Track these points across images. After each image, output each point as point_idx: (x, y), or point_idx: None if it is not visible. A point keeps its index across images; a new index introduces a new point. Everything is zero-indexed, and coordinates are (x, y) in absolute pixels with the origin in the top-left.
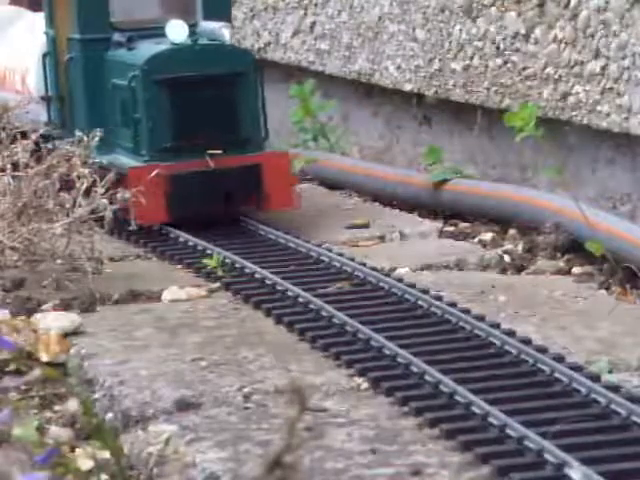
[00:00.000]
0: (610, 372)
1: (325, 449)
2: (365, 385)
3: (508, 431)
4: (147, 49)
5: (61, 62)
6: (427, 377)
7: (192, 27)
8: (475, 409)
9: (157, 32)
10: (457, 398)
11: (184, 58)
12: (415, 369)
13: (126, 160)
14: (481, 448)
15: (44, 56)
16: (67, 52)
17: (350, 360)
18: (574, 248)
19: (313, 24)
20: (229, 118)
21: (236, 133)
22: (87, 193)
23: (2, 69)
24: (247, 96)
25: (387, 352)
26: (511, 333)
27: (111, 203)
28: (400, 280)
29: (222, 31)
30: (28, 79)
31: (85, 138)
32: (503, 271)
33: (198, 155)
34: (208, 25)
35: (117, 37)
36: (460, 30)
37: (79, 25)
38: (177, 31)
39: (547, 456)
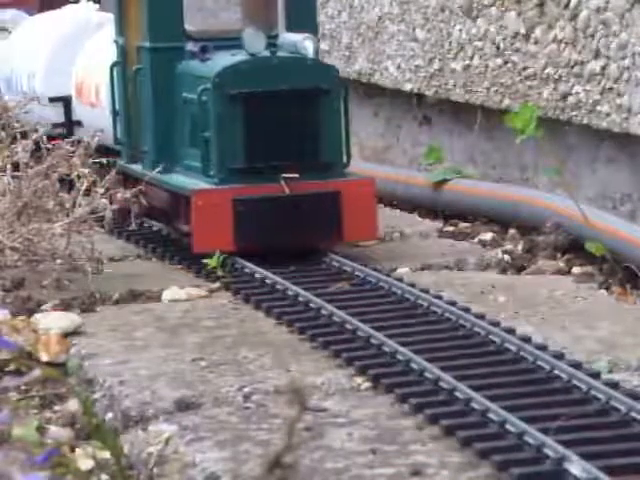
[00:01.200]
0: (610, 372)
1: (325, 449)
2: (365, 385)
3: (508, 426)
4: (221, 60)
5: (130, 73)
6: (427, 374)
7: (273, 38)
8: (475, 405)
9: (234, 42)
10: (457, 394)
11: (261, 71)
12: (415, 366)
13: (193, 181)
14: (481, 444)
15: (112, 66)
16: (136, 61)
17: (349, 358)
18: (574, 248)
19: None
20: (308, 139)
21: (315, 156)
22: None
23: (80, 80)
24: (329, 115)
25: (387, 349)
26: (511, 331)
27: (111, 203)
28: (400, 280)
29: (305, 43)
30: (101, 91)
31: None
32: (503, 271)
33: (272, 179)
34: (290, 36)
35: (190, 47)
36: (460, 30)
37: (150, 32)
38: (254, 41)
39: (547, 451)
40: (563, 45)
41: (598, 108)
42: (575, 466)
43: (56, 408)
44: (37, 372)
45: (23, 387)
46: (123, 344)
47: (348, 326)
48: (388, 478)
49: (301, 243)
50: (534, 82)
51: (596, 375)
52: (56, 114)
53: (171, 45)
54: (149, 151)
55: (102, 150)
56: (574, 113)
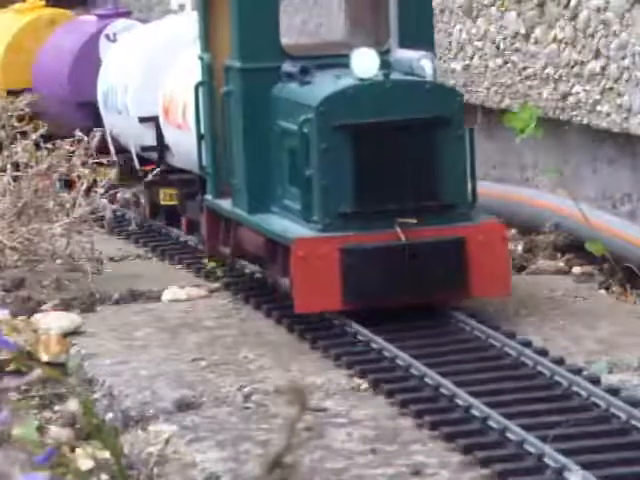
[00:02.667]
0: (610, 372)
1: (325, 449)
2: (365, 385)
3: (508, 434)
4: (325, 85)
5: (217, 95)
6: (427, 380)
7: (383, 54)
8: (475, 412)
9: (339, 61)
10: (457, 401)
11: (373, 98)
12: (415, 372)
13: (292, 227)
14: (481, 452)
15: (197, 86)
16: (225, 83)
17: (350, 362)
18: (574, 248)
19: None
20: (427, 177)
21: (436, 197)
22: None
23: (169, 98)
24: (451, 148)
25: (387, 354)
26: (511, 335)
27: (111, 203)
28: None
29: (422, 62)
30: (188, 112)
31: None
32: None
33: (385, 224)
34: (404, 54)
35: (288, 67)
36: (460, 30)
37: (240, 50)
38: (365, 62)
39: (547, 460)
40: (563, 45)
41: (598, 108)
42: (575, 475)
43: (56, 408)
44: (37, 372)
45: (23, 387)
46: (123, 344)
47: (348, 329)
48: (388, 478)
49: (419, 300)
50: (534, 82)
51: (596, 381)
52: (148, 135)
53: (265, 65)
54: (240, 187)
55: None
56: (574, 113)
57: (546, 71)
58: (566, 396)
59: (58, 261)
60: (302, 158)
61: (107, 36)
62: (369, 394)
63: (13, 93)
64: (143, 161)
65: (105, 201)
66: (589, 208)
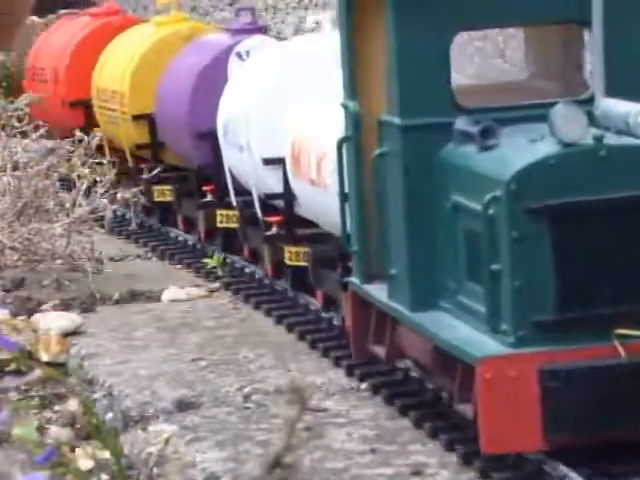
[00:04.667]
0: None
1: (325, 449)
2: (365, 385)
3: None
4: (516, 151)
5: (367, 154)
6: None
7: (584, 104)
8: None
9: (529, 114)
10: None
11: (582, 171)
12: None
13: (472, 336)
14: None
15: (341, 142)
16: (378, 142)
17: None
18: None
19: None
20: None
21: None
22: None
23: (297, 144)
24: None
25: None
26: None
27: (112, 203)
28: None
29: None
30: (324, 167)
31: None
32: None
33: (599, 337)
34: (614, 106)
35: (463, 124)
36: None
37: (401, 102)
38: (570, 124)
39: (547, 468)
40: None
41: None
42: None
43: (56, 408)
44: (37, 372)
45: (23, 387)
46: (123, 344)
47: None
48: (388, 478)
49: None
50: None
51: None
52: (274, 179)
53: (433, 121)
54: (399, 275)
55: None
56: None
57: None
58: None
59: (58, 261)
60: (486, 247)
61: (238, 54)
62: (369, 394)
63: (138, 118)
64: (266, 208)
65: (105, 201)
66: None
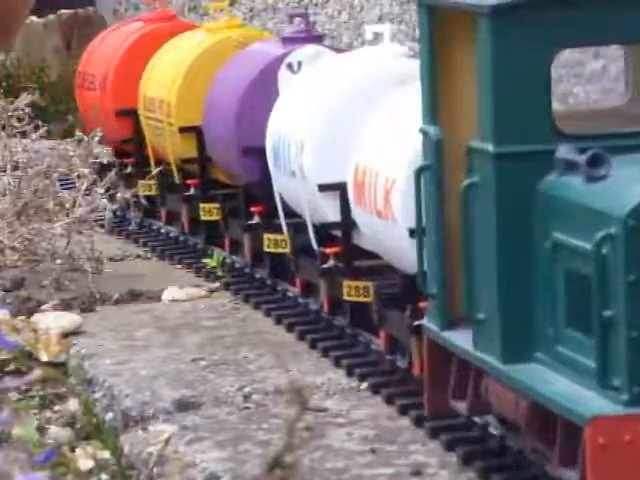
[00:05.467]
0: None
1: (325, 449)
2: (365, 385)
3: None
4: (632, 184)
5: (449, 185)
6: None
7: None
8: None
9: (637, 143)
10: None
11: None
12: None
13: (577, 392)
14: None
15: (420, 170)
16: (466, 172)
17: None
18: None
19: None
20: None
21: None
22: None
23: (361, 170)
24: None
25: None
26: None
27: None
28: None
29: None
30: (394, 197)
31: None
32: None
33: None
34: None
35: (566, 152)
36: None
37: (495, 127)
38: None
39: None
40: None
41: None
42: None
43: (56, 408)
44: (37, 372)
45: (23, 387)
46: (123, 344)
47: (348, 330)
48: (388, 478)
49: None
50: None
51: None
52: (330, 207)
53: (531, 149)
54: (488, 321)
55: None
56: None
57: None
58: None
59: (58, 261)
60: (597, 291)
61: (289, 66)
62: (369, 394)
63: (185, 130)
64: (321, 237)
65: (105, 201)
66: None
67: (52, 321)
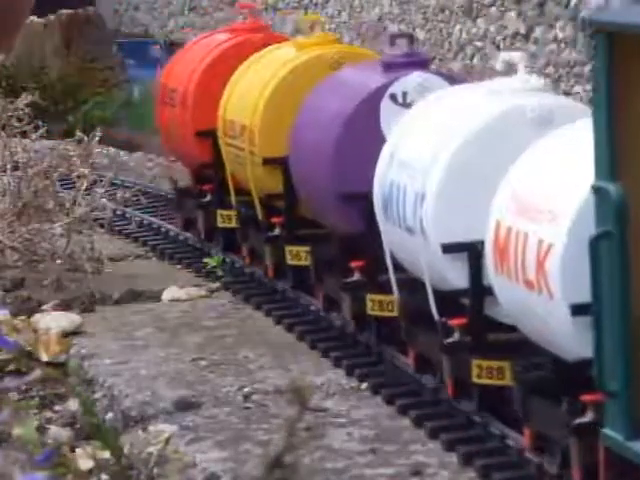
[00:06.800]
0: None
1: (325, 449)
2: (365, 385)
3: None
4: None
5: (638, 256)
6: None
7: None
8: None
9: None
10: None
11: None
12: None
13: None
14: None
15: (597, 238)
16: None
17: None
18: None
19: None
20: None
21: None
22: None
23: (504, 231)
24: None
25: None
26: None
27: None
28: None
29: None
30: (551, 265)
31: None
32: None
33: None
34: None
35: None
36: (460, 30)
37: None
38: None
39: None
40: (563, 45)
41: None
42: None
43: (56, 408)
44: (37, 372)
45: (23, 387)
46: (123, 344)
47: (349, 330)
48: (388, 478)
49: None
50: None
51: None
52: (456, 270)
53: None
54: None
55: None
56: None
57: (546, 71)
58: None
59: (58, 261)
60: None
61: (393, 97)
62: (369, 394)
63: (269, 162)
64: (443, 308)
65: (105, 201)
66: None
67: (52, 321)
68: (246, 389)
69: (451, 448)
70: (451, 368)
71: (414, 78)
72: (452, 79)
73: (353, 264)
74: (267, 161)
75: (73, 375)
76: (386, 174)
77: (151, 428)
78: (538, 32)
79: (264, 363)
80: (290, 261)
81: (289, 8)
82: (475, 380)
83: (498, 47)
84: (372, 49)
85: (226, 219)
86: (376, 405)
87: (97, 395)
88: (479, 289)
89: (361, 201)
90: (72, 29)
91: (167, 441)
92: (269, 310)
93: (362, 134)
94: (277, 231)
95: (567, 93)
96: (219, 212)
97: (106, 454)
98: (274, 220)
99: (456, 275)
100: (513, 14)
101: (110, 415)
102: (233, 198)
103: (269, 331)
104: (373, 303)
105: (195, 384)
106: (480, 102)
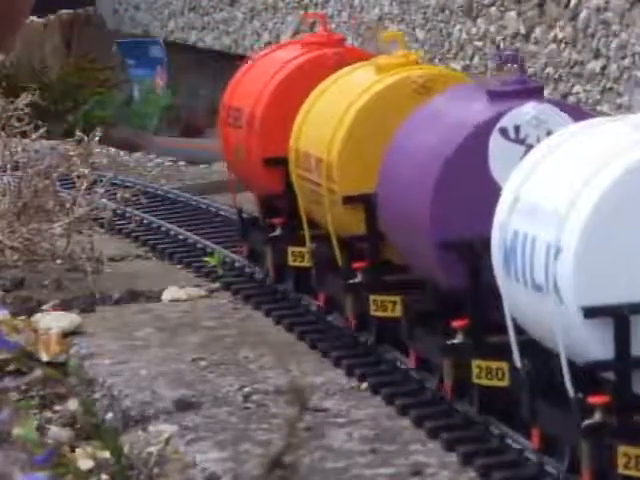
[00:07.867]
0: None
1: (325, 449)
2: (365, 385)
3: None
4: None
5: None
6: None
7: None
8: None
9: None
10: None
11: None
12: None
13: None
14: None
15: None
16: None
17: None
18: None
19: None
20: None
21: None
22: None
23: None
24: None
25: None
26: None
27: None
28: None
29: None
30: None
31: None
32: None
33: None
34: None
35: None
36: (460, 30)
37: None
38: None
39: (547, 468)
40: (563, 45)
41: (598, 108)
42: None
43: (56, 408)
44: (37, 372)
45: (23, 387)
46: (123, 344)
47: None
48: (388, 478)
49: None
50: None
51: None
52: (600, 342)
53: None
54: None
55: None
56: None
57: (546, 71)
58: None
59: (58, 261)
60: None
61: (503, 131)
62: (369, 394)
63: (351, 201)
64: (579, 380)
65: (105, 201)
66: None
67: (52, 321)
68: (246, 389)
69: (451, 448)
70: (590, 457)
71: (528, 110)
72: (570, 109)
73: (455, 324)
74: (348, 199)
75: (73, 375)
76: (505, 225)
77: (151, 428)
78: (538, 32)
79: (264, 363)
80: (375, 312)
81: (289, 8)
82: (621, 472)
83: (498, 47)
84: (370, 50)
85: (299, 257)
86: (376, 405)
87: (97, 395)
88: (626, 364)
89: (465, 251)
90: (72, 29)
91: (167, 441)
92: (269, 310)
93: (467, 174)
94: (359, 278)
95: (567, 93)
96: (291, 249)
97: (106, 454)
98: (356, 265)
99: (598, 346)
100: (513, 14)
101: (110, 415)
102: (307, 237)
103: (269, 331)
104: (480, 369)
105: (195, 384)
106: (621, 143)
